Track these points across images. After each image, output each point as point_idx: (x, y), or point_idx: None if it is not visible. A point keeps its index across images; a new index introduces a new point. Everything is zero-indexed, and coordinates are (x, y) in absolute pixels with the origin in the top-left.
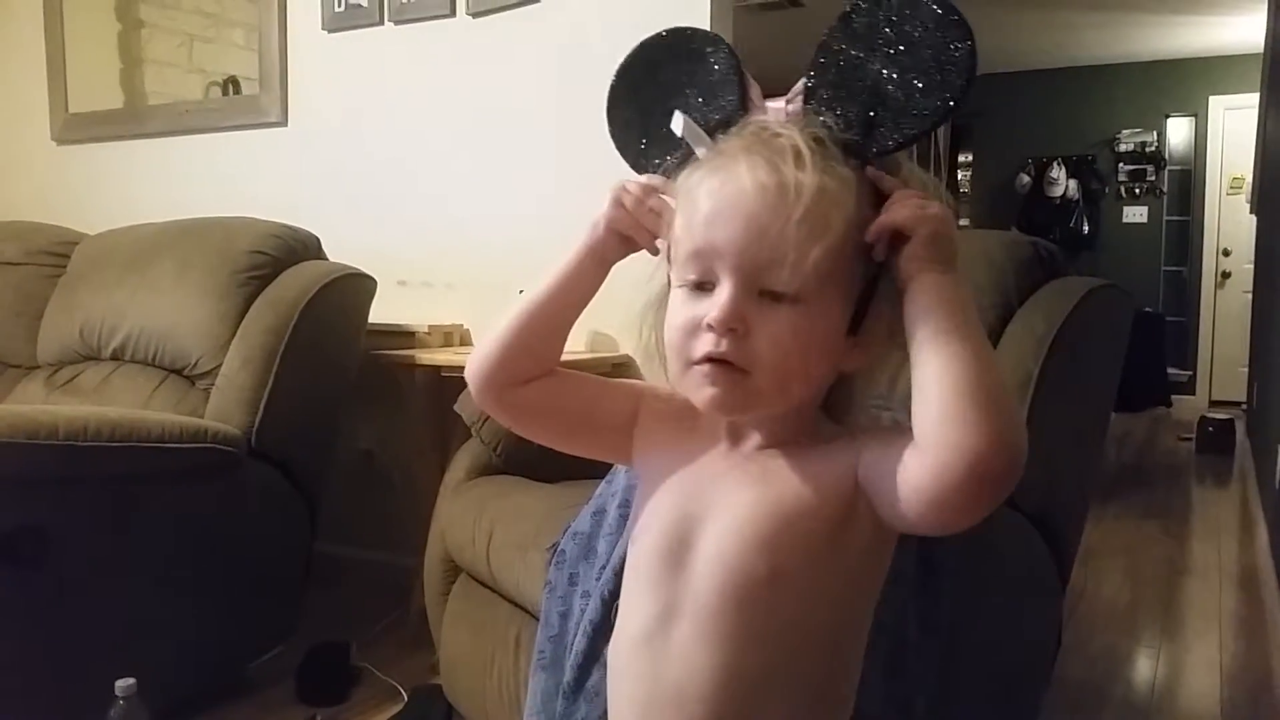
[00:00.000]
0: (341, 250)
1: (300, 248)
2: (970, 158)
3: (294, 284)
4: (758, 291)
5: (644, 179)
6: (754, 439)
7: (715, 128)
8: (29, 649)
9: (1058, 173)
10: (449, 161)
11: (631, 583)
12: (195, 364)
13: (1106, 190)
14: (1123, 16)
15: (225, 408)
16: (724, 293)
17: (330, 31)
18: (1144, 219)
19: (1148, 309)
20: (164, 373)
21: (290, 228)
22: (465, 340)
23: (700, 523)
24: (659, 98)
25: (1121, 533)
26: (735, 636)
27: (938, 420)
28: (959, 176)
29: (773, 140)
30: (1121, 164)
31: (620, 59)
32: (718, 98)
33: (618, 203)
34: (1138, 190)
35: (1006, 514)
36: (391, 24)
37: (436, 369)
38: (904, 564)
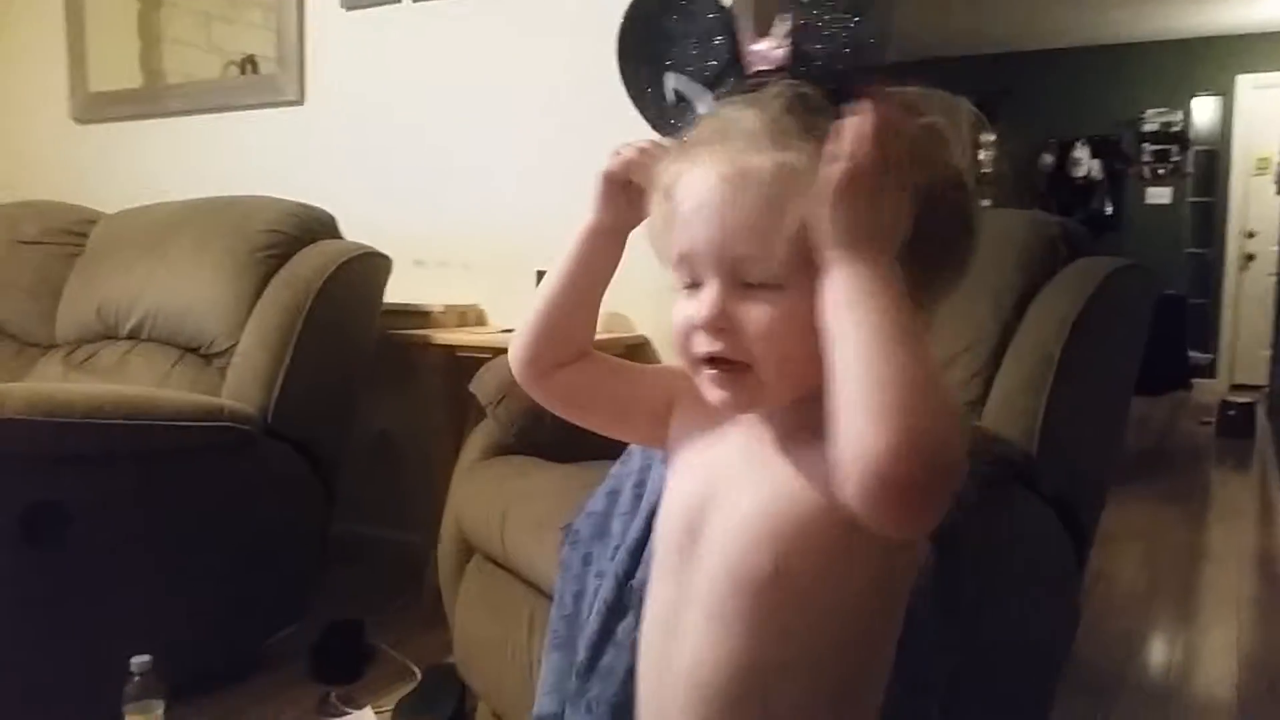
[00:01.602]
0: (357, 229)
1: (317, 227)
2: (993, 137)
3: (310, 263)
4: (742, 284)
5: (643, 142)
6: (771, 428)
7: (714, 79)
8: (47, 625)
9: (1081, 153)
10: (466, 141)
11: (654, 568)
12: (212, 343)
13: (1130, 171)
14: None
15: (241, 387)
16: (708, 292)
17: (349, 10)
18: (1168, 200)
19: (1170, 291)
20: (181, 351)
21: (306, 207)
22: (481, 320)
23: (710, 512)
24: (663, 55)
25: (1140, 517)
26: (740, 630)
27: (839, 430)
28: (980, 156)
29: (729, 127)
30: (1146, 144)
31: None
32: (710, 47)
33: (615, 153)
34: (1162, 171)
35: (1025, 496)
36: (410, 2)
37: (452, 349)
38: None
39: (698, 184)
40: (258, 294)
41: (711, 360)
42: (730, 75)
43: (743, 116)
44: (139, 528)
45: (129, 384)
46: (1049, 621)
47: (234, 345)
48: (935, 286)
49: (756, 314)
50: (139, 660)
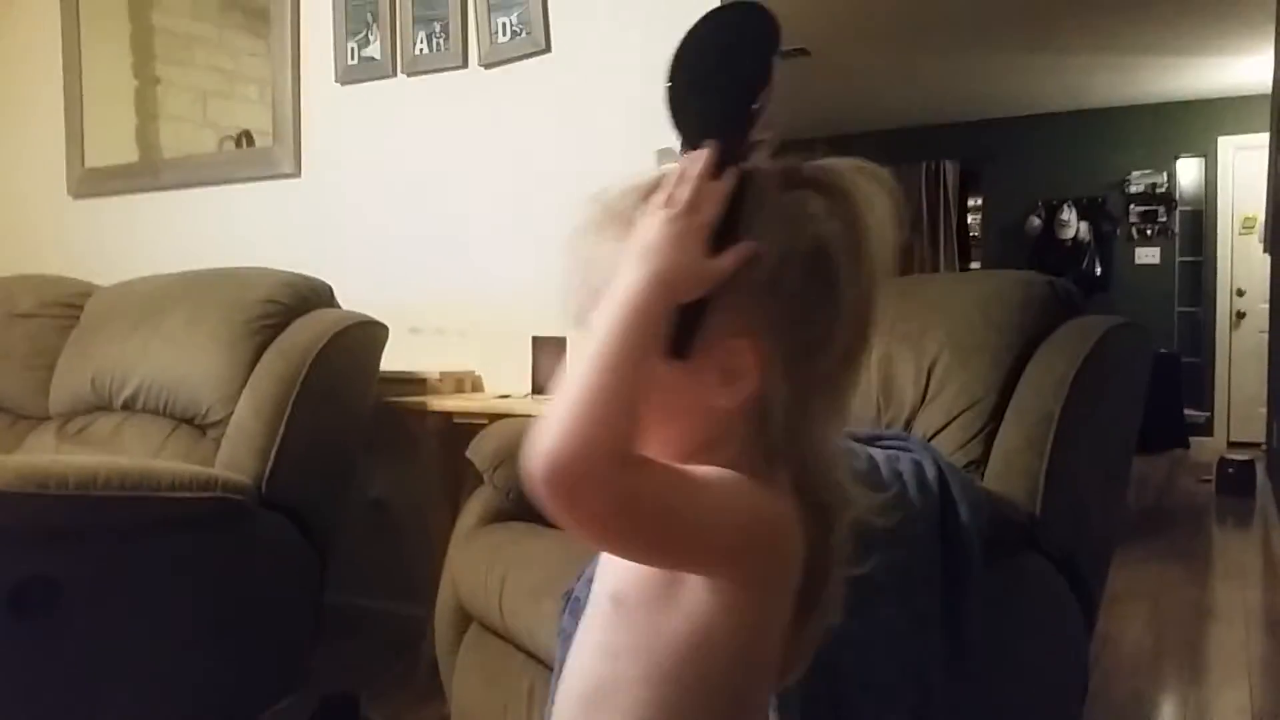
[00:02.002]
0: (354, 299)
1: (312, 296)
2: (980, 201)
3: (306, 332)
4: None
5: None
6: None
7: None
8: (38, 699)
9: (1068, 215)
10: (461, 210)
11: None
12: (206, 413)
13: (1118, 232)
14: (1132, 60)
15: (236, 457)
16: None
17: (343, 84)
18: (1156, 260)
19: (1163, 350)
20: (175, 422)
21: (302, 276)
22: (477, 386)
23: None
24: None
25: (1144, 577)
26: (595, 646)
27: None
28: (969, 220)
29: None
30: (1132, 205)
31: (627, 107)
32: None
33: None
34: (1149, 231)
35: (1032, 558)
36: (404, 76)
37: (448, 415)
38: (928, 607)
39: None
40: (253, 364)
41: None
42: None
43: (610, 201)
44: (131, 599)
45: (123, 455)
46: (1057, 684)
47: (229, 415)
48: (800, 356)
49: None
50: None
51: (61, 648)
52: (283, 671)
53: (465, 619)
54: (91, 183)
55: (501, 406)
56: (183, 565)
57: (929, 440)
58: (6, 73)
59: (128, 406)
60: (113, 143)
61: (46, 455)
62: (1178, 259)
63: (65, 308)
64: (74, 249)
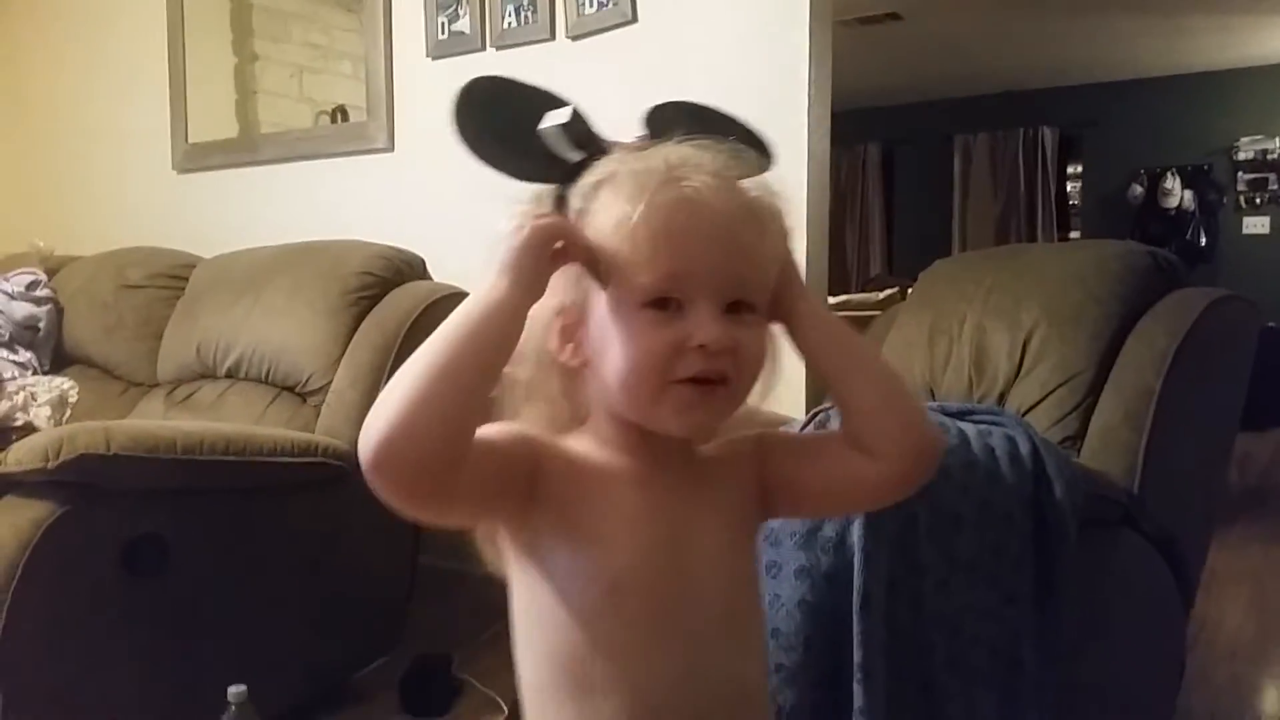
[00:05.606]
0: (445, 270)
1: (406, 269)
2: (1080, 169)
3: (400, 304)
4: (725, 308)
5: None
6: (681, 450)
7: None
8: (147, 654)
9: (1172, 183)
10: None
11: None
12: (306, 381)
13: (1225, 200)
14: (1239, 19)
15: (335, 423)
16: (707, 312)
17: (435, 59)
18: (1266, 230)
19: (1271, 324)
20: (276, 389)
21: (397, 249)
22: None
23: (689, 539)
24: (514, 117)
25: (1246, 559)
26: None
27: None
28: (1068, 188)
29: (705, 162)
30: (1241, 173)
31: (713, 76)
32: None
33: (525, 226)
34: (1259, 200)
35: (1129, 536)
36: (493, 49)
37: None
38: (1020, 585)
39: (694, 206)
40: (351, 334)
41: (697, 380)
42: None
43: (704, 158)
44: (235, 560)
45: (226, 421)
46: (1153, 666)
47: (328, 384)
48: None
49: (748, 336)
50: (235, 690)
51: (170, 605)
52: (379, 632)
53: None
54: (194, 157)
55: None
56: (285, 527)
57: (1023, 415)
58: (116, 53)
59: (231, 374)
60: (214, 118)
61: (156, 421)
62: None
63: (172, 279)
64: (178, 222)
